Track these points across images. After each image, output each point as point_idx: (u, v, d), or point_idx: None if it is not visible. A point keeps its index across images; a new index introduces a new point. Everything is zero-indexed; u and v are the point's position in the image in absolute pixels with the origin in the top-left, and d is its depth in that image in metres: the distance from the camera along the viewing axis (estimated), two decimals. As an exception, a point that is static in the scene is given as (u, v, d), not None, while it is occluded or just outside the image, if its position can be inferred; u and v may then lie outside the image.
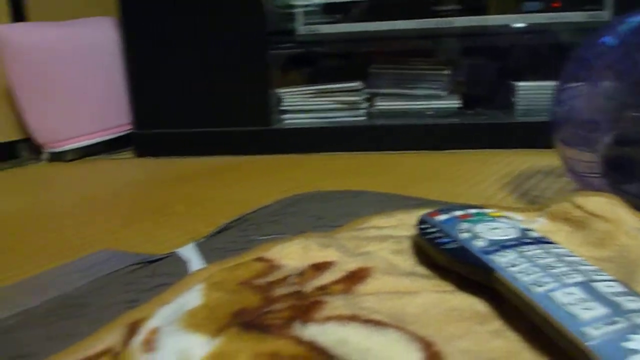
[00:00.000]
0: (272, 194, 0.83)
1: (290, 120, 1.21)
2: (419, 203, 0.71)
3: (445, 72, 1.23)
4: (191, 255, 0.56)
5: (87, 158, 1.30)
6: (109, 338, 0.40)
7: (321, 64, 1.31)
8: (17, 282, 0.55)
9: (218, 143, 1.19)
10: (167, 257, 0.56)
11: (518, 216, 0.61)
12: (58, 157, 1.27)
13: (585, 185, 0.71)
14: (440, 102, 1.21)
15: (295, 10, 1.18)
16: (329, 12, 1.19)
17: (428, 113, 1.20)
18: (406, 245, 0.53)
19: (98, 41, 1.27)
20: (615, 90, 0.63)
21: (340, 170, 0.98)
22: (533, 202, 0.78)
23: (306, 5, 1.18)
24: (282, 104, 1.21)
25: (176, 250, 0.58)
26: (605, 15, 1.07)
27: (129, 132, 1.31)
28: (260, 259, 0.51)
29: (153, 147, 1.24)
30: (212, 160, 1.16)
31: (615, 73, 0.63)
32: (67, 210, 0.84)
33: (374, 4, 1.18)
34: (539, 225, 0.58)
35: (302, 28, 1.17)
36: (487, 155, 1.08)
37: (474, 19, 1.15)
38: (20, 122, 1.36)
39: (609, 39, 0.67)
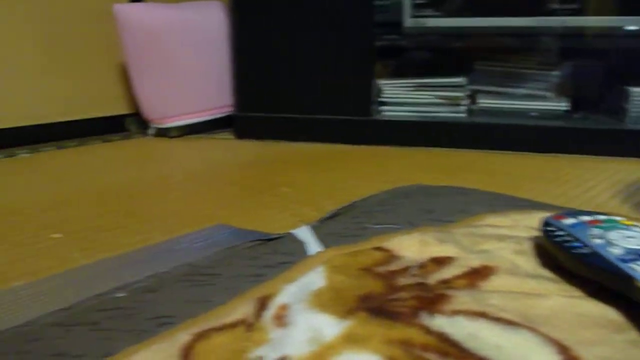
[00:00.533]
0: (373, 184, 0.83)
1: (389, 112, 1.21)
2: (530, 205, 0.70)
3: (553, 72, 1.18)
4: (307, 238, 0.57)
5: (189, 136, 1.35)
6: (241, 309, 0.41)
7: (424, 57, 1.29)
8: (142, 248, 0.59)
9: (316, 130, 1.21)
10: (283, 236, 0.58)
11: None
12: (163, 132, 1.33)
13: None
14: (545, 103, 1.17)
15: (403, 3, 1.17)
16: (437, 6, 1.17)
17: (532, 114, 1.16)
18: (527, 246, 0.52)
19: (207, 24, 1.31)
20: None
21: (440, 165, 0.97)
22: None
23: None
24: (382, 95, 1.21)
25: (292, 231, 0.59)
26: None
27: (229, 113, 1.35)
28: (379, 248, 0.51)
29: (252, 130, 1.27)
30: (310, 146, 1.18)
31: None
32: (176, 184, 0.88)
33: (482, 0, 1.16)
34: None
35: (409, 20, 1.16)
36: (595, 161, 1.03)
37: (587, 19, 1.10)
38: (130, 97, 1.43)
39: None
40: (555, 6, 1.12)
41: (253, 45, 1.25)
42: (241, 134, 1.29)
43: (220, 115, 1.36)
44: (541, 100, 1.17)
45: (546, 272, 0.47)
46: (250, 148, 1.18)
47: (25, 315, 0.45)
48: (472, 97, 1.20)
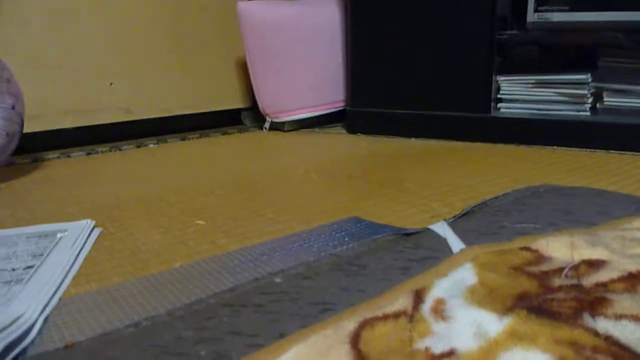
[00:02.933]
0: (497, 182, 0.82)
1: (508, 109, 1.18)
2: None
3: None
4: (447, 234, 0.57)
5: (302, 130, 1.39)
6: (399, 301, 0.43)
7: (546, 53, 1.25)
8: (285, 237, 0.62)
9: (430, 127, 1.20)
10: (423, 231, 0.59)
11: None
12: (277, 126, 1.38)
13: None
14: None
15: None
16: (562, 0, 1.13)
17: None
18: (684, 253, 0.50)
19: (324, 21, 1.34)
20: None
21: (565, 165, 0.94)
22: None
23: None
24: (501, 91, 1.18)
25: (430, 226, 0.60)
26: None
27: (342, 108, 1.38)
28: (527, 248, 0.51)
29: (364, 125, 1.28)
30: (424, 143, 1.18)
31: None
32: (301, 176, 0.91)
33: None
34: None
35: (532, 15, 1.13)
36: None
37: None
38: (245, 92, 1.49)
39: None
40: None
41: (368, 40, 1.27)
42: (353, 129, 1.31)
43: (333, 110, 1.38)
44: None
45: None
46: (364, 143, 1.20)
47: (187, 296, 0.48)
48: (597, 95, 1.15)
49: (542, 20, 1.14)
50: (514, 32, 1.16)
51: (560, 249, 0.51)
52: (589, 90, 1.14)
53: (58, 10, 1.17)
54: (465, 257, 0.50)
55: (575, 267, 0.47)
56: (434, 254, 0.53)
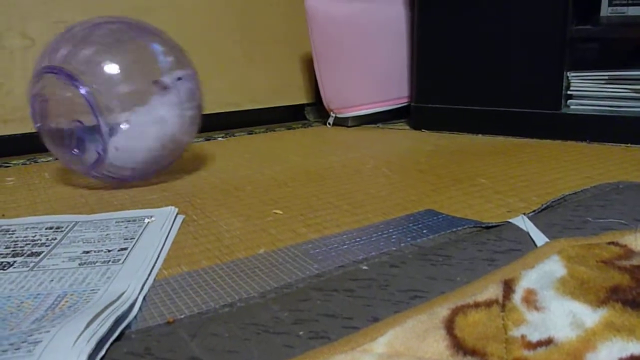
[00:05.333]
0: (572, 179, 0.81)
1: (578, 106, 1.16)
2: None
3: None
4: (528, 227, 0.57)
5: (365, 126, 1.39)
6: (489, 290, 0.43)
7: (620, 48, 1.22)
8: (363, 227, 0.63)
9: (497, 123, 1.19)
10: (504, 224, 0.59)
11: None
12: (340, 122, 1.39)
13: None
14: None
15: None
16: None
17: None
18: None
19: (390, 17, 1.35)
20: None
21: (636, 163, 0.92)
22: None
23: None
24: (572, 88, 1.16)
25: (510, 220, 0.60)
26: None
27: (405, 104, 1.38)
28: (614, 243, 0.51)
29: (429, 121, 1.28)
30: (492, 139, 1.17)
31: None
32: (370, 170, 0.92)
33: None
34: None
35: (607, 9, 1.10)
36: None
37: None
38: (308, 87, 1.51)
39: None
40: None
41: (435, 36, 1.26)
42: (417, 125, 1.31)
43: (397, 106, 1.39)
44: None
45: None
46: (429, 139, 1.19)
47: (276, 280, 0.50)
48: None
49: (617, 14, 1.11)
50: (587, 26, 1.13)
51: (651, 244, 0.50)
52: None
53: (135, 7, 1.22)
54: (551, 249, 0.50)
55: (668, 263, 0.47)
56: (518, 247, 0.53)
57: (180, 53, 0.87)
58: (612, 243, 0.51)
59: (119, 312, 0.43)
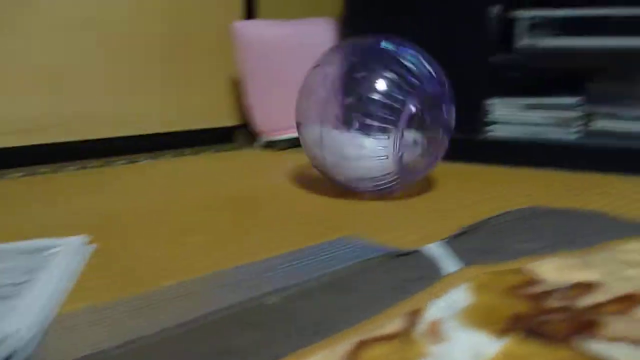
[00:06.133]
0: (491, 204, 0.83)
1: (499, 131, 1.19)
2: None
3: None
4: (440, 254, 0.58)
5: (295, 148, 1.39)
6: (393, 322, 0.43)
7: (536, 76, 1.27)
8: (278, 256, 0.62)
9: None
10: (417, 251, 0.59)
11: None
12: (270, 145, 1.38)
13: None
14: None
15: (518, 22, 1.16)
16: (552, 25, 1.15)
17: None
18: (675, 276, 0.50)
19: (319, 40, 1.35)
20: None
21: (558, 187, 0.95)
22: None
23: (530, 18, 1.16)
24: (492, 114, 1.20)
25: (425, 246, 0.60)
26: None
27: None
28: (522, 270, 0.51)
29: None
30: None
31: None
32: (294, 194, 0.92)
33: (602, 19, 1.12)
34: None
35: (523, 40, 1.15)
36: None
37: None
38: (238, 110, 1.49)
39: None
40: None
41: (362, 62, 1.28)
42: (346, 149, 1.31)
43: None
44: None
45: (702, 305, 0.46)
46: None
47: (179, 315, 0.48)
48: (587, 118, 1.16)
49: (532, 45, 1.16)
50: (505, 56, 1.17)
51: (555, 270, 0.51)
52: (578, 113, 1.16)
53: (56, 26, 1.17)
54: (461, 278, 0.50)
55: (569, 289, 0.48)
56: (429, 274, 0.53)
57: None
58: (520, 269, 0.51)
59: (2, 355, 0.40)
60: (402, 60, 0.91)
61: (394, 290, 0.50)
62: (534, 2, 1.18)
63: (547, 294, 0.47)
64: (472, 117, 1.18)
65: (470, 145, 1.17)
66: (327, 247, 0.64)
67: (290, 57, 1.33)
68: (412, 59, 0.92)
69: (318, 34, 1.36)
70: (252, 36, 1.31)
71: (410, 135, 0.85)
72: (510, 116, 1.20)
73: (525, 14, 1.17)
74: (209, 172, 1.14)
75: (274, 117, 1.35)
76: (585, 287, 0.48)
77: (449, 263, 0.55)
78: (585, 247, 0.59)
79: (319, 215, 0.79)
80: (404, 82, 0.86)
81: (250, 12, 1.45)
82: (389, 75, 0.87)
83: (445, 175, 1.06)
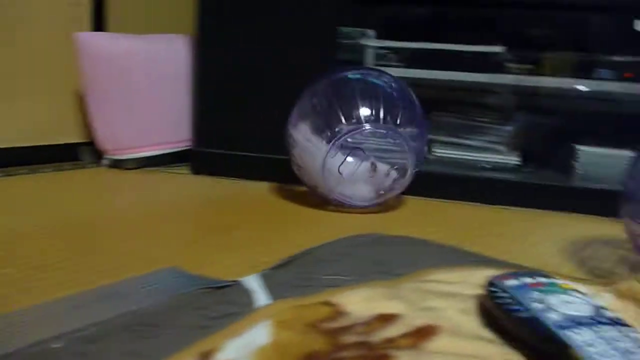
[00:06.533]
0: (327, 231, 0.84)
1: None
2: (479, 260, 0.71)
3: (507, 127, 1.23)
4: (256, 287, 0.57)
5: (145, 168, 1.33)
6: (183, 365, 0.41)
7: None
8: (87, 291, 0.57)
9: (274, 170, 1.21)
10: (232, 284, 0.58)
11: (583, 288, 0.61)
12: (117, 164, 1.31)
13: None
14: (498, 156, 1.20)
15: (366, 49, 1.20)
16: (398, 56, 1.21)
17: (485, 166, 1.20)
18: (471, 305, 0.53)
19: (170, 57, 1.31)
20: None
21: (393, 216, 0.98)
22: (591, 272, 0.76)
23: (376, 47, 1.20)
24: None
25: (241, 279, 0.59)
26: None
27: (188, 148, 1.34)
28: (326, 303, 0.51)
29: (210, 166, 1.26)
30: (268, 186, 1.18)
31: None
32: (131, 220, 0.87)
33: (444, 54, 1.20)
34: (605, 301, 0.57)
35: (372, 61, 1.19)
36: (543, 216, 1.07)
37: (540, 79, 1.15)
38: (85, 125, 1.40)
39: None
40: (511, 65, 1.17)
41: (215, 80, 1.26)
42: (198, 170, 1.28)
43: (178, 149, 1.35)
44: (494, 154, 1.21)
45: (488, 334, 0.48)
46: (207, 185, 1.17)
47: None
48: (427, 146, 1.23)
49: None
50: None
51: (359, 302, 0.52)
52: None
53: None
54: (265, 313, 0.49)
55: (368, 323, 0.48)
56: (238, 310, 0.51)
57: None
58: (325, 303, 0.51)
59: None
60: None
61: (197, 330, 0.47)
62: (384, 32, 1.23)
63: (347, 328, 0.47)
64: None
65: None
66: (143, 280, 0.60)
67: (138, 73, 1.27)
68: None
69: (171, 50, 1.32)
70: (97, 49, 1.24)
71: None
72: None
73: (373, 42, 1.21)
74: (45, 194, 1.05)
75: (120, 135, 1.29)
76: (386, 320, 0.49)
77: (261, 297, 0.54)
78: (395, 277, 0.60)
79: (151, 244, 0.75)
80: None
81: (99, 24, 1.38)
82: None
83: (296, 199, 1.05)
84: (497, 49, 1.16)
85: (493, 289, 0.51)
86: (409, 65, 1.21)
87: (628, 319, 0.53)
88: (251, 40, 1.22)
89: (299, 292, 0.55)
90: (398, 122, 0.95)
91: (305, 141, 0.97)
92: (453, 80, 1.19)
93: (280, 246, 0.75)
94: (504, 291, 0.50)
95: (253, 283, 0.58)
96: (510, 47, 1.18)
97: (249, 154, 1.24)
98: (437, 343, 0.46)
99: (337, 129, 0.94)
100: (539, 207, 1.10)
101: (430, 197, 1.12)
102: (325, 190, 0.96)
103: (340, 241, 0.73)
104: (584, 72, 1.14)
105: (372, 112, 0.94)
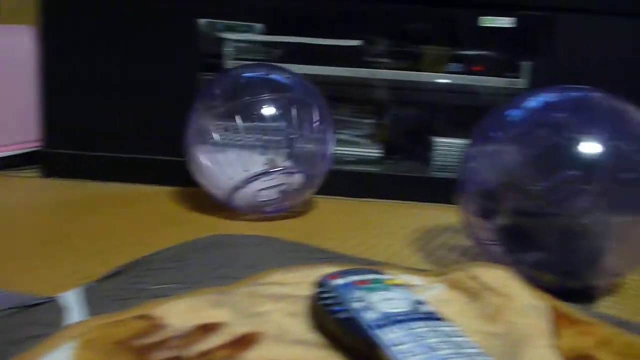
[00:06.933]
0: (183, 233, 0.80)
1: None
2: (327, 257, 0.70)
3: (369, 120, 1.24)
4: (72, 303, 0.52)
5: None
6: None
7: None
8: None
9: (131, 170, 1.15)
10: (47, 302, 0.52)
11: (418, 280, 0.61)
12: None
13: (485, 251, 0.72)
14: (362, 149, 1.22)
15: (225, 47, 1.17)
16: (258, 52, 1.19)
17: (349, 159, 1.21)
18: (302, 306, 0.51)
19: (13, 51, 1.20)
20: (515, 162, 0.66)
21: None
22: (438, 262, 0.79)
23: (236, 41, 1.17)
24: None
25: (58, 295, 0.54)
26: (522, 83, 1.12)
27: (37, 149, 1.24)
28: (143, 317, 0.48)
29: (62, 168, 1.17)
30: (125, 187, 1.11)
31: (516, 146, 0.66)
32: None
33: (307, 48, 1.19)
34: (437, 292, 0.58)
35: (229, 63, 1.16)
36: (402, 207, 1.09)
37: (400, 73, 1.17)
38: None
39: (515, 113, 0.69)
40: (371, 59, 1.18)
41: (64, 75, 1.17)
42: (48, 173, 1.18)
43: (26, 150, 1.24)
44: (358, 147, 1.22)
45: (314, 337, 0.47)
46: (56, 189, 1.09)
47: None
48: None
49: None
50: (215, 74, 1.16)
51: (181, 313, 0.48)
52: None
53: None
54: (71, 333, 0.45)
55: (187, 335, 0.45)
56: (42, 332, 0.46)
57: None
58: (142, 317, 0.48)
59: None
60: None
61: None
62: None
63: (161, 343, 0.44)
64: (180, 139, 1.14)
65: (180, 167, 1.12)
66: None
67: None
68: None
69: (10, 44, 1.21)
70: None
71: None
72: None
73: (232, 36, 1.18)
74: None
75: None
76: (208, 330, 0.46)
77: (74, 314, 0.49)
78: (234, 280, 0.58)
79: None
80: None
81: None
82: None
83: (148, 200, 1.00)
84: (355, 42, 1.17)
85: (320, 289, 0.50)
86: (275, 60, 1.19)
87: (454, 309, 0.55)
88: (101, 31, 1.15)
89: (118, 306, 0.51)
90: (304, 122, 0.95)
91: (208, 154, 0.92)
92: (316, 75, 1.19)
93: (120, 254, 0.70)
94: (329, 291, 0.49)
95: (71, 299, 0.53)
96: (368, 41, 1.19)
97: (103, 154, 1.16)
98: (257, 352, 0.44)
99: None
100: (400, 199, 1.12)
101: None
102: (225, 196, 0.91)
103: (181, 245, 0.69)
104: (439, 65, 1.18)
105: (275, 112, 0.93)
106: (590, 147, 0.62)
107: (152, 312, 0.48)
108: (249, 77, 0.99)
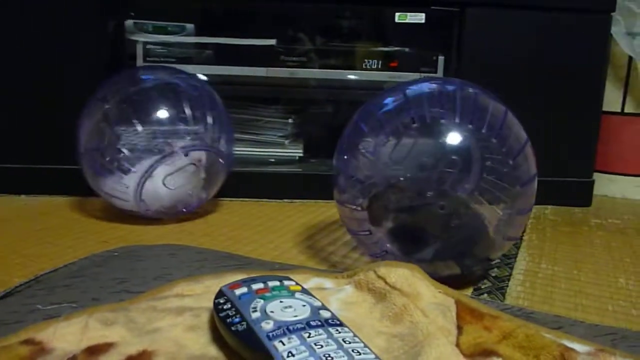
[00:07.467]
0: (87, 247, 0.76)
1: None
2: (238, 264, 0.69)
3: (289, 120, 1.23)
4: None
5: None
6: None
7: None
8: None
9: (33, 181, 1.08)
10: None
11: (329, 283, 0.61)
12: None
13: (360, 243, 0.72)
14: (282, 150, 1.20)
15: (136, 45, 1.12)
16: (169, 54, 1.15)
17: (270, 160, 1.19)
18: (204, 319, 0.50)
19: None
20: (380, 154, 0.66)
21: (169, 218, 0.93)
22: (330, 261, 0.78)
23: (146, 42, 1.13)
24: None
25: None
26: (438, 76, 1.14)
27: None
28: (28, 341, 0.45)
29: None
30: (27, 200, 1.05)
31: (388, 136, 0.66)
32: None
33: (221, 49, 1.16)
34: (346, 295, 0.57)
35: (140, 62, 1.11)
36: (321, 206, 1.08)
37: (316, 71, 1.17)
38: None
39: (388, 102, 0.70)
40: (285, 58, 1.16)
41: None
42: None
43: None
44: (278, 147, 1.21)
45: (213, 350, 0.45)
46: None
47: None
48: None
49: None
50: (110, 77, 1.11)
51: (70, 335, 0.46)
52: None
53: None
54: (-56, 366, 0.41)
55: (74, 359, 0.43)
56: None
57: None
58: (27, 341, 0.45)
59: None
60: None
61: None
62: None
63: (43, 370, 0.41)
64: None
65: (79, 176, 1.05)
66: None
67: None
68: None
69: None
70: None
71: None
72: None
73: (142, 37, 1.14)
74: None
75: None
76: (97, 352, 0.44)
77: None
78: (135, 295, 0.56)
79: None
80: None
81: None
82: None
83: (53, 213, 0.95)
84: (270, 42, 1.15)
85: (219, 299, 0.48)
86: (181, 61, 1.15)
87: (362, 311, 0.54)
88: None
89: (7, 330, 0.48)
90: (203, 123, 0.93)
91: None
92: (237, 76, 1.16)
93: (18, 271, 0.66)
94: (228, 302, 0.47)
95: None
96: (284, 40, 1.18)
97: (7, 165, 1.09)
98: (149, 371, 0.42)
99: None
100: (320, 198, 1.12)
101: (221, 197, 1.08)
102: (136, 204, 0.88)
103: (85, 259, 0.66)
104: (354, 62, 1.18)
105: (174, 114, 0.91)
106: (458, 137, 0.63)
107: (37, 336, 0.45)
108: (143, 80, 0.96)
